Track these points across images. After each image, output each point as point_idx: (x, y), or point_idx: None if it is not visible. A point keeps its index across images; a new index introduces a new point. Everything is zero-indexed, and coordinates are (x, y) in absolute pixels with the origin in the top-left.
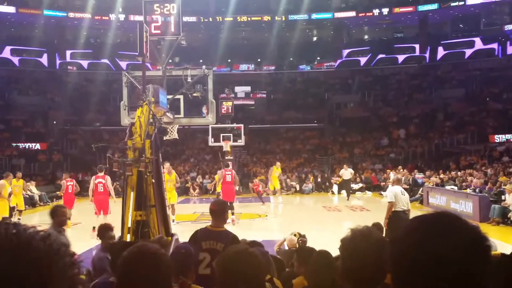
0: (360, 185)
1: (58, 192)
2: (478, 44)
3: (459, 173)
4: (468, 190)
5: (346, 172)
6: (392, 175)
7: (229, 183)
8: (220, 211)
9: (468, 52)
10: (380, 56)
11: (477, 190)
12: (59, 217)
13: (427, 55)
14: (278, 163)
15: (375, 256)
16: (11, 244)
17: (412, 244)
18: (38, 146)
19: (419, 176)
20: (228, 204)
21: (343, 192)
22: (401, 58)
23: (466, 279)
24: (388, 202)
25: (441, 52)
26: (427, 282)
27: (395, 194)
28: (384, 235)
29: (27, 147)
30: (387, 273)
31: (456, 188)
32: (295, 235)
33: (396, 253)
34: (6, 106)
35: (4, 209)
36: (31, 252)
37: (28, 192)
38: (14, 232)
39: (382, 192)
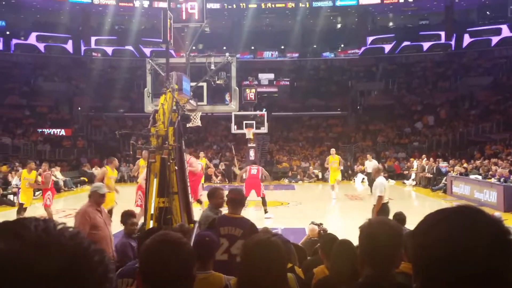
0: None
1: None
2: (505, 31)
3: (484, 162)
4: (493, 180)
5: (370, 164)
6: (415, 164)
7: (254, 176)
8: (238, 199)
9: (495, 39)
10: (405, 43)
11: (501, 180)
12: (217, 199)
13: (452, 42)
14: (332, 150)
15: (390, 240)
16: (40, 240)
17: (434, 238)
18: (63, 132)
19: (443, 165)
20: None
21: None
22: (426, 45)
23: (490, 274)
24: (379, 196)
25: (467, 39)
26: (449, 276)
27: (385, 186)
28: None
29: (52, 133)
30: (403, 258)
31: (480, 177)
32: (313, 224)
33: (418, 246)
34: (31, 92)
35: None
36: (60, 249)
37: (53, 178)
38: (43, 228)
39: (405, 181)
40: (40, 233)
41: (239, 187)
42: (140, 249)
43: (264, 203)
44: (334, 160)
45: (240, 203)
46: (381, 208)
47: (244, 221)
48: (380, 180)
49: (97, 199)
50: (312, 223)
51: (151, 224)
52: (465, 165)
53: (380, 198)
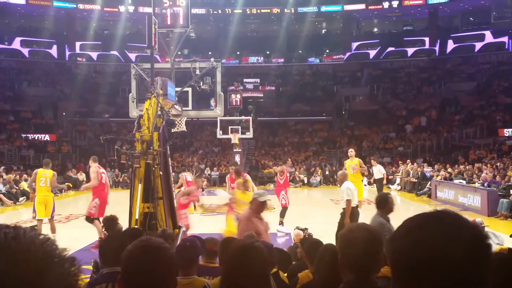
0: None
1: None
2: (489, 37)
3: (467, 167)
4: (477, 184)
5: (376, 170)
6: (401, 169)
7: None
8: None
9: (478, 45)
10: (390, 49)
11: (485, 184)
12: (390, 205)
13: (436, 48)
14: (351, 152)
15: (370, 246)
16: (10, 249)
17: (412, 243)
18: (47, 137)
19: (427, 170)
20: None
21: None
22: (410, 51)
23: (467, 279)
24: (347, 200)
25: (451, 45)
26: (427, 281)
27: (351, 190)
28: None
29: (36, 138)
30: (383, 263)
31: (464, 182)
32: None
33: (395, 251)
34: (15, 97)
35: None
36: (28, 256)
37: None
38: (13, 236)
39: (390, 186)
40: (9, 240)
41: (215, 238)
42: (104, 253)
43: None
44: (352, 164)
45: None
46: (353, 212)
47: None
48: (347, 184)
49: (257, 206)
50: (297, 228)
51: None
52: (449, 169)
53: (348, 202)
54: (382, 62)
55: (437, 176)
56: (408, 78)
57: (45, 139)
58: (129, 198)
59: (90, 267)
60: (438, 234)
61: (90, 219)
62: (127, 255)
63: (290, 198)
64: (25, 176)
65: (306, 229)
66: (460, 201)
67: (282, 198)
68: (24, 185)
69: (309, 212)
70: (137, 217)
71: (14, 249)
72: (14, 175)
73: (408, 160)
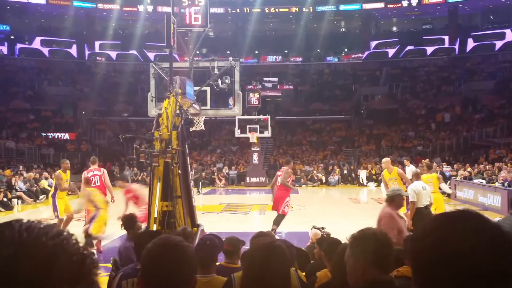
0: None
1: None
2: (509, 35)
3: (487, 166)
4: (497, 184)
5: (407, 170)
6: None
7: (279, 187)
8: (232, 250)
9: (499, 44)
10: (409, 47)
11: (505, 184)
12: None
13: (456, 47)
14: (406, 160)
15: (377, 249)
16: (20, 238)
17: (432, 242)
18: (67, 136)
19: (447, 169)
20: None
21: (370, 184)
22: (430, 50)
23: (490, 276)
24: (411, 201)
25: (470, 44)
26: (446, 280)
27: (417, 191)
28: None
29: (56, 137)
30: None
31: (484, 181)
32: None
33: (416, 251)
34: (36, 96)
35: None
36: (38, 248)
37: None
38: (26, 227)
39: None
40: (22, 232)
41: (234, 237)
42: (140, 250)
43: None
44: (391, 178)
45: (234, 252)
46: (420, 213)
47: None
48: (413, 185)
49: (399, 202)
50: (314, 227)
51: (154, 228)
52: (469, 169)
53: (412, 203)
54: (401, 61)
55: (457, 175)
56: (427, 77)
57: (64, 138)
58: (148, 196)
59: (110, 265)
60: (459, 234)
61: None
62: (147, 253)
63: (308, 197)
64: (45, 174)
65: (323, 228)
66: (480, 200)
67: (285, 205)
68: (44, 183)
69: (326, 211)
70: (155, 215)
71: (25, 239)
72: (34, 173)
73: (427, 159)
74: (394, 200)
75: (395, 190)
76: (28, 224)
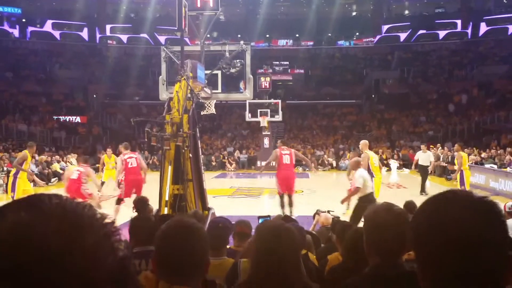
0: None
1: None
2: None
3: (499, 151)
4: (508, 169)
5: (424, 156)
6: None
7: (288, 167)
8: (245, 233)
9: None
10: (421, 31)
11: None
12: None
13: (469, 31)
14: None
15: (397, 228)
16: (57, 212)
17: (424, 219)
18: (78, 119)
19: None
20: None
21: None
22: (442, 34)
23: (486, 248)
24: (357, 187)
25: (483, 27)
26: (444, 260)
27: (364, 178)
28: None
29: (67, 120)
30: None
31: (495, 166)
32: (318, 212)
33: (414, 233)
34: (47, 80)
35: None
36: (77, 219)
37: (68, 164)
38: (57, 201)
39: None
40: (55, 205)
41: (245, 221)
42: (134, 233)
43: (291, 203)
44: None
45: (244, 236)
46: (369, 198)
47: None
48: (360, 172)
49: None
50: (319, 211)
51: (165, 211)
52: (483, 154)
53: (357, 189)
54: (413, 45)
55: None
56: (439, 61)
57: (76, 121)
58: (159, 180)
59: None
60: (442, 213)
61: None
62: (161, 235)
63: (318, 181)
64: (57, 157)
65: (329, 211)
66: (491, 185)
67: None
68: (56, 166)
69: (337, 195)
70: (167, 198)
71: (61, 212)
72: (46, 156)
73: (438, 144)
74: None
75: None
76: (54, 197)
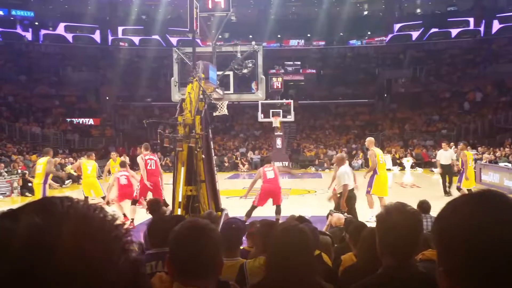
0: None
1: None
2: None
3: None
4: None
5: (446, 154)
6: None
7: (271, 181)
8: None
9: None
10: (433, 30)
11: None
12: None
13: (481, 28)
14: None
15: (410, 228)
16: (68, 214)
17: (458, 221)
18: (91, 121)
19: (471, 152)
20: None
21: (394, 168)
22: (454, 32)
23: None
24: (344, 184)
25: (496, 25)
26: (474, 259)
27: (348, 175)
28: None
29: (80, 122)
30: (426, 245)
31: (510, 165)
32: (331, 213)
33: (440, 231)
34: (60, 82)
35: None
36: (88, 221)
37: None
38: (69, 204)
39: (433, 169)
40: (67, 208)
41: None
42: (152, 234)
43: (278, 211)
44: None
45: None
46: (350, 195)
47: None
48: (344, 168)
49: None
50: (331, 211)
51: (179, 212)
52: (498, 153)
53: (345, 186)
54: (425, 43)
55: (482, 159)
56: (452, 60)
57: (89, 123)
58: (172, 181)
59: (135, 249)
60: (487, 211)
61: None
62: (175, 235)
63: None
64: (70, 159)
65: (342, 212)
66: (506, 184)
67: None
68: (69, 168)
69: None
70: (180, 200)
71: (73, 215)
72: (60, 158)
73: (452, 143)
74: None
75: None
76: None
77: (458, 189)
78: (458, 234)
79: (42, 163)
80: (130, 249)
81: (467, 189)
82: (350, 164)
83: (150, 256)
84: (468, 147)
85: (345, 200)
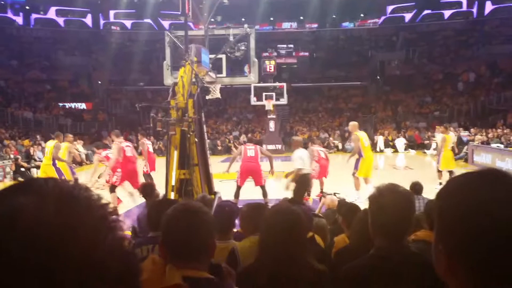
0: (404, 142)
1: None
2: None
3: (505, 130)
4: None
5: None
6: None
7: (251, 159)
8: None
9: None
10: (426, 12)
11: None
12: None
13: (474, 10)
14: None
15: (402, 209)
16: (54, 193)
17: (460, 199)
18: (83, 106)
19: (464, 134)
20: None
21: (387, 150)
22: (447, 13)
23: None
24: (298, 168)
25: (489, 6)
26: (474, 237)
27: (303, 158)
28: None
29: (73, 106)
30: (418, 226)
31: (502, 146)
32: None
33: (442, 208)
34: (52, 67)
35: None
36: (74, 200)
37: (75, 151)
38: (54, 184)
39: (426, 151)
40: (52, 188)
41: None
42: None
43: (265, 194)
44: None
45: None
46: (307, 177)
47: None
48: (299, 152)
49: None
50: (324, 193)
51: (172, 195)
52: (490, 134)
53: (299, 170)
54: (418, 25)
55: (474, 140)
56: (444, 42)
57: (81, 108)
58: (165, 165)
59: (129, 233)
60: (484, 192)
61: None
62: (168, 218)
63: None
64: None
65: (335, 193)
66: (498, 165)
67: (264, 177)
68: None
69: (343, 178)
70: (173, 183)
71: (58, 194)
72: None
73: (449, 125)
74: None
75: None
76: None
77: (438, 171)
78: (460, 212)
79: (50, 147)
80: (116, 227)
81: (448, 171)
82: (342, 147)
83: (148, 239)
84: (451, 129)
85: (298, 184)
